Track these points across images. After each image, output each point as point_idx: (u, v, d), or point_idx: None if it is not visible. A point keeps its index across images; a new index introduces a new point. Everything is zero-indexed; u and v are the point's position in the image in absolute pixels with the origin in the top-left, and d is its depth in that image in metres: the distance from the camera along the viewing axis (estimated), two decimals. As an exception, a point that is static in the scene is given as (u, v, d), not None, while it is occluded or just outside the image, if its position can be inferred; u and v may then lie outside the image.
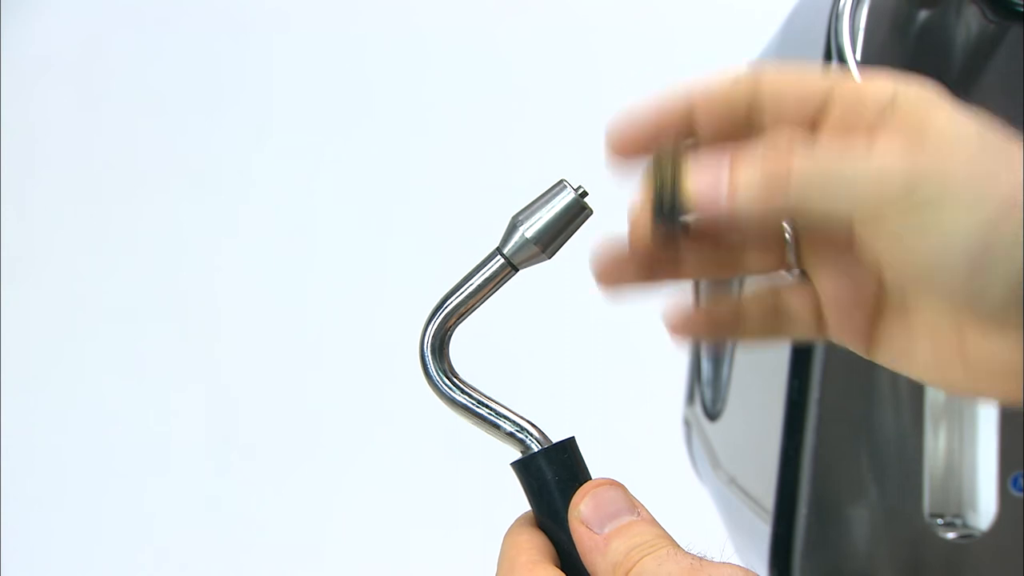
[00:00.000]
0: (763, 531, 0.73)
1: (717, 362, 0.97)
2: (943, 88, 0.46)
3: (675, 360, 1.08)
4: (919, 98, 0.45)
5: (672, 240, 0.46)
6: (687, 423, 1.06)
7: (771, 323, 0.52)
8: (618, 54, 1.77)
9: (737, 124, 0.48)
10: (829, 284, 0.51)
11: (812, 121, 0.47)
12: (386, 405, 1.81)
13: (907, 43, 0.69)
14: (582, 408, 1.63)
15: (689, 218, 0.45)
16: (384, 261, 1.89)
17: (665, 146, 0.46)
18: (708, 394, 0.99)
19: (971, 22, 0.68)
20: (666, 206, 0.45)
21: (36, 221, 2.02)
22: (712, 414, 0.97)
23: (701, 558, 0.43)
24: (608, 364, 1.70)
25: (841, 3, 0.65)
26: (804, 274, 0.51)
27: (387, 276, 1.88)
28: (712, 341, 0.54)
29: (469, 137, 1.85)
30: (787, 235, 0.51)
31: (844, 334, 0.51)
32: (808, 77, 0.47)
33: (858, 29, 0.67)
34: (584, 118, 1.85)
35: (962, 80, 0.69)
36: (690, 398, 1.05)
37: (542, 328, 1.68)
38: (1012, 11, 0.66)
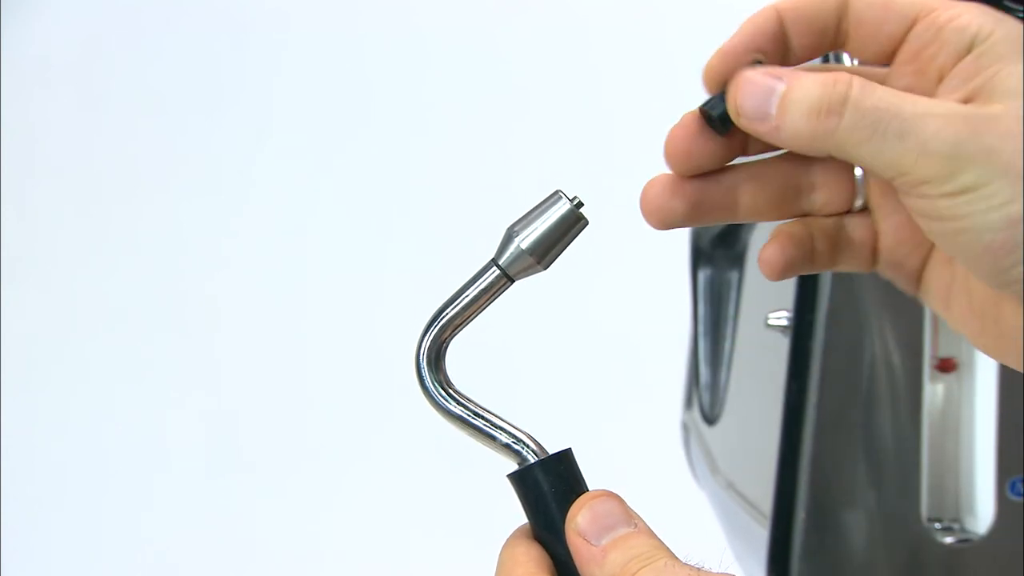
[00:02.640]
0: (761, 535, 0.73)
1: (715, 367, 0.97)
2: None
3: (673, 364, 1.08)
4: (998, 46, 0.44)
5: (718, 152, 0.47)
6: (685, 427, 1.06)
7: (829, 249, 0.52)
8: (617, 55, 1.77)
9: (827, 41, 0.47)
10: (888, 222, 0.50)
11: (895, 46, 0.47)
12: (385, 410, 1.81)
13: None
14: (580, 412, 1.64)
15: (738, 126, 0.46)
16: (384, 263, 1.89)
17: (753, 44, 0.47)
18: (706, 398, 0.99)
19: (968, 27, 0.68)
20: (716, 112, 0.46)
21: (36, 221, 2.02)
22: (710, 419, 0.98)
23: (699, 569, 0.43)
24: (606, 368, 1.70)
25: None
26: (866, 208, 0.51)
27: (387, 278, 1.88)
28: (788, 261, 0.53)
29: (469, 138, 1.85)
30: (856, 170, 0.50)
31: (895, 273, 0.51)
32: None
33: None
34: (584, 118, 1.86)
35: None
36: (688, 402, 1.05)
37: (539, 334, 1.68)
38: (1011, 16, 0.66)
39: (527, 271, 0.47)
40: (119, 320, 1.96)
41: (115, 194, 2.00)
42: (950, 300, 0.49)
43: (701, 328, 0.99)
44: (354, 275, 1.90)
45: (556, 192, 0.47)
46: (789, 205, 0.51)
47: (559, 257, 0.47)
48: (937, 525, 0.71)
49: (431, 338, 0.48)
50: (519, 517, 0.50)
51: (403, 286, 1.84)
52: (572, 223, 0.47)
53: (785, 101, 0.45)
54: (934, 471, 0.72)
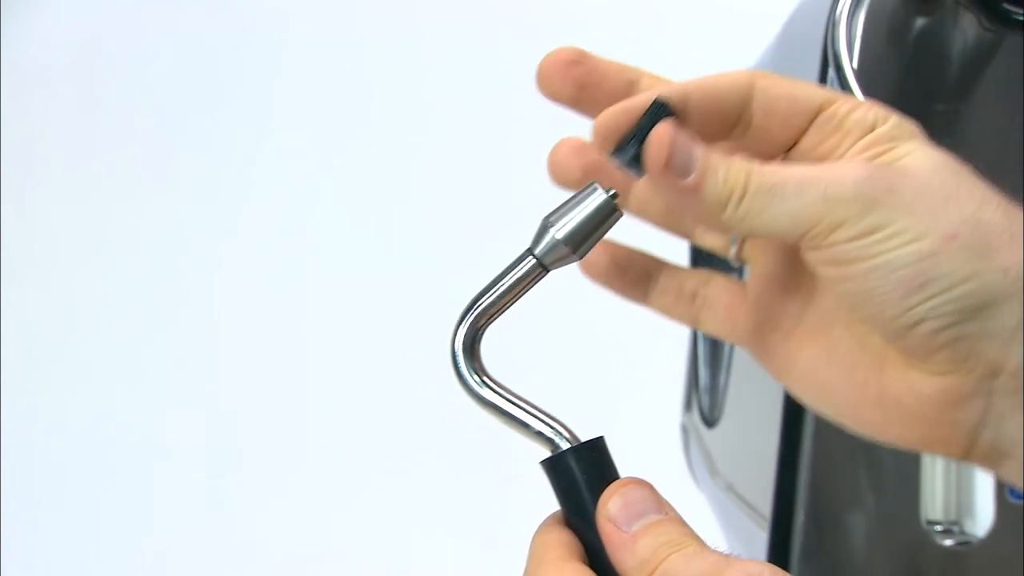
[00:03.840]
0: (761, 538, 0.74)
1: (715, 369, 0.97)
2: (939, 93, 0.47)
3: (672, 367, 1.08)
4: (895, 129, 0.46)
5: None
6: (684, 430, 1.06)
7: (687, 306, 0.53)
8: (617, 57, 1.77)
9: (726, 128, 0.49)
10: (762, 277, 0.51)
11: (797, 136, 0.48)
12: (385, 410, 1.82)
13: (904, 50, 0.69)
14: (580, 413, 1.63)
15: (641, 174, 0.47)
16: (385, 264, 1.90)
17: (662, 99, 0.47)
18: (706, 401, 0.99)
19: (968, 30, 0.68)
20: (630, 150, 0.47)
21: (36, 221, 2.02)
22: (710, 421, 0.98)
23: (727, 555, 0.44)
24: (605, 370, 1.70)
25: (838, 10, 0.65)
26: (740, 268, 0.52)
27: (388, 278, 1.88)
28: (619, 292, 0.55)
29: (469, 139, 1.85)
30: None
31: (758, 342, 0.52)
32: (801, 90, 0.48)
33: (855, 36, 0.67)
34: (583, 120, 1.85)
35: (958, 88, 0.69)
36: (688, 405, 1.05)
37: (538, 335, 1.68)
38: (1009, 19, 0.66)
39: (562, 261, 0.48)
40: (119, 320, 1.96)
41: (115, 194, 2.00)
42: (827, 383, 0.50)
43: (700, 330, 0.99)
44: (354, 275, 1.90)
45: (592, 183, 0.48)
46: (675, 224, 0.54)
47: (593, 248, 0.48)
48: (937, 528, 0.71)
49: (467, 326, 0.48)
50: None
51: (403, 286, 1.84)
52: (608, 214, 0.48)
53: (705, 165, 0.46)
54: (933, 473, 0.72)
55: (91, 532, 1.90)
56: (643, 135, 0.47)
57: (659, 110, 0.47)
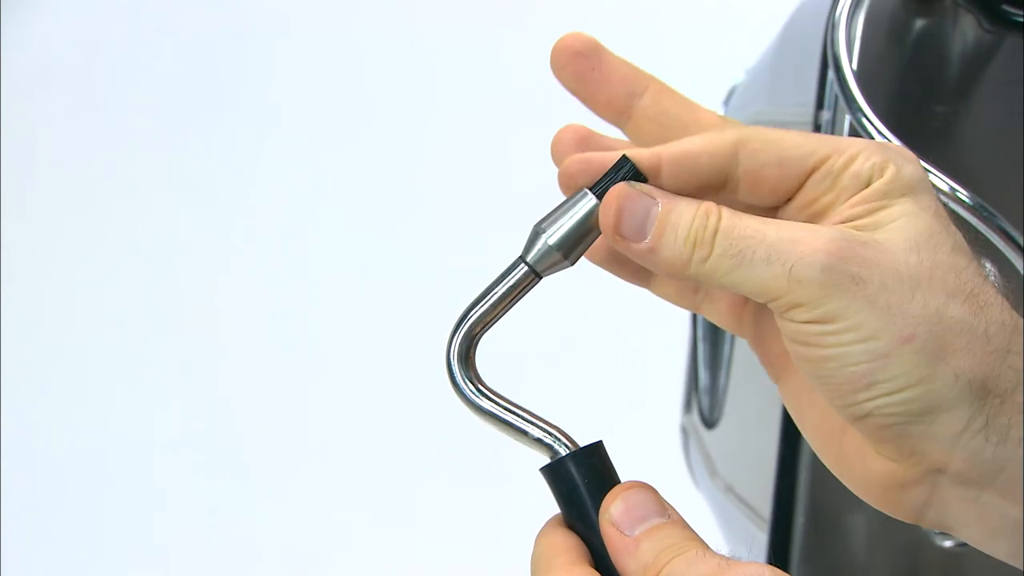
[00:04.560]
0: (760, 540, 0.73)
1: (714, 370, 0.97)
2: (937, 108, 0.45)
3: (672, 368, 1.08)
4: (891, 184, 0.45)
5: None
6: (684, 431, 1.06)
7: (689, 297, 0.53)
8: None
9: (710, 192, 0.47)
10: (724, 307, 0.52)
11: (790, 195, 0.47)
12: (385, 411, 1.82)
13: (903, 52, 0.69)
14: (579, 415, 1.63)
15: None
16: (385, 264, 1.90)
17: (629, 158, 0.46)
18: (705, 402, 0.99)
19: (967, 31, 0.68)
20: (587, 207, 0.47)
21: (35, 222, 2.02)
22: (709, 422, 0.98)
23: (729, 559, 0.44)
24: (605, 371, 1.70)
25: (838, 11, 0.65)
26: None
27: (388, 278, 1.88)
28: (622, 277, 0.54)
29: (469, 139, 1.85)
30: None
31: (758, 344, 0.51)
32: (791, 152, 0.46)
33: (854, 38, 0.67)
34: (583, 121, 1.85)
35: (958, 88, 0.69)
36: (687, 406, 1.05)
37: (537, 337, 1.68)
38: (1008, 21, 0.66)
39: (554, 267, 0.48)
40: (119, 320, 1.96)
41: (115, 194, 2.00)
42: (802, 415, 0.49)
43: (700, 332, 0.99)
44: (355, 276, 1.90)
45: (583, 189, 0.48)
46: (636, 276, 0.53)
47: (585, 253, 0.48)
48: (935, 529, 0.71)
49: (462, 335, 0.48)
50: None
51: (403, 287, 1.84)
52: (598, 219, 0.47)
53: (662, 224, 0.45)
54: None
55: (91, 532, 1.90)
56: (602, 192, 0.46)
57: (624, 169, 0.46)
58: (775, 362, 0.50)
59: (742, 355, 0.93)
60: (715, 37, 1.61)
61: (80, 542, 1.91)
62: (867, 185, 0.45)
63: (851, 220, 0.45)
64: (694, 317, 1.01)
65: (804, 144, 0.46)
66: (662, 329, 1.20)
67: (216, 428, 1.90)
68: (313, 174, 1.95)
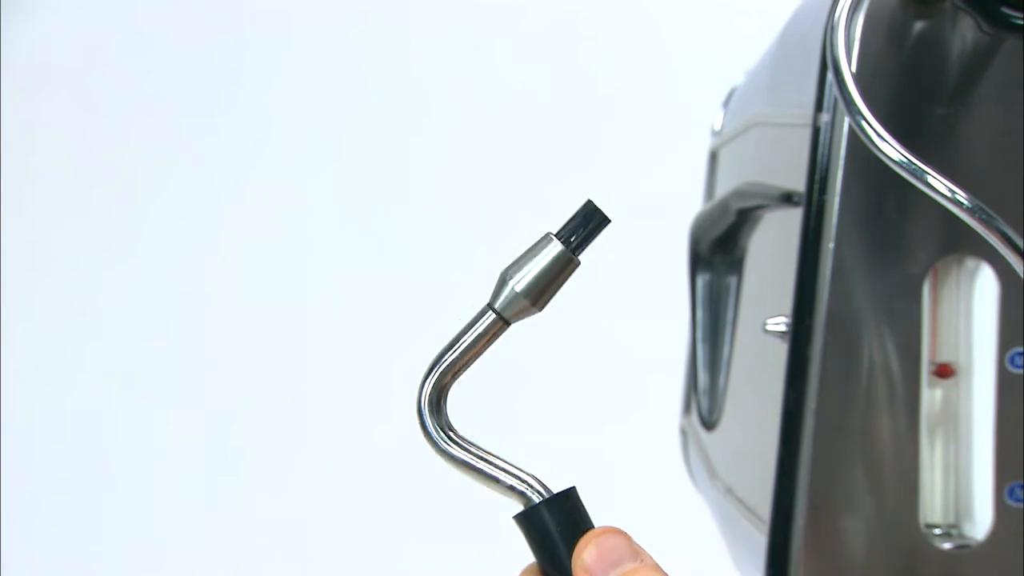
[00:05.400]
0: (760, 541, 0.73)
1: (714, 371, 0.97)
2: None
3: (672, 370, 1.08)
4: None
5: None
6: (683, 433, 1.06)
7: None
8: (615, 60, 1.77)
9: None
10: None
11: None
12: (384, 413, 1.81)
13: (902, 54, 0.69)
14: (578, 416, 1.64)
15: None
16: (384, 264, 1.90)
17: (594, 204, 0.47)
18: (704, 404, 0.99)
19: (967, 33, 0.68)
20: None
21: (35, 222, 2.02)
22: (709, 424, 0.98)
23: None
24: (604, 373, 1.70)
25: (837, 13, 0.65)
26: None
27: (386, 280, 1.88)
28: None
29: (469, 140, 1.85)
30: None
31: None
32: None
33: (853, 40, 0.67)
34: (581, 122, 1.86)
35: (957, 91, 0.69)
36: (687, 407, 1.05)
37: (537, 338, 1.68)
38: (1008, 23, 0.66)
39: (522, 313, 0.49)
40: (117, 320, 1.96)
41: (114, 194, 2.00)
42: None
43: (699, 333, 0.99)
44: (353, 276, 1.90)
45: (547, 235, 0.48)
46: None
47: (553, 298, 0.48)
48: (935, 531, 0.71)
49: (432, 384, 0.49)
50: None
51: (403, 287, 1.84)
52: (564, 264, 0.48)
53: None
54: (932, 476, 0.72)
55: (91, 532, 1.90)
56: (566, 238, 0.47)
57: (587, 213, 0.47)
58: None
59: (742, 356, 0.93)
60: (714, 39, 1.61)
61: (80, 542, 1.91)
62: None
63: None
64: (693, 318, 1.01)
65: None
66: (661, 331, 1.20)
67: (214, 427, 1.90)
68: (313, 174, 1.95)
